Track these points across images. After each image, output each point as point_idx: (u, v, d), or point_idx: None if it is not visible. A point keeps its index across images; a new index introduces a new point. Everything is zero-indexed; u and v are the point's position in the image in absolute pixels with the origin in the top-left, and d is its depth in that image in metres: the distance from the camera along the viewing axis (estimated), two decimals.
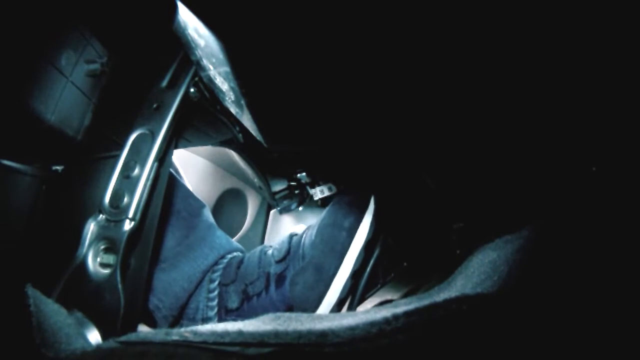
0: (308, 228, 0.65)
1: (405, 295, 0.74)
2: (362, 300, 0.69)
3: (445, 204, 0.69)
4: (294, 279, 0.59)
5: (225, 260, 0.65)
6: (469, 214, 0.66)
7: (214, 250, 0.64)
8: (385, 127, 0.52)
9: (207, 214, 0.68)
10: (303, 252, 0.60)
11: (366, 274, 0.68)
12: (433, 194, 0.67)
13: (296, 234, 0.67)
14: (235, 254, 0.67)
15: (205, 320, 0.60)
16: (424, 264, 0.75)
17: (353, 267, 0.59)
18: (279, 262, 0.61)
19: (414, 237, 0.77)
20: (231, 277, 0.61)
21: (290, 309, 0.59)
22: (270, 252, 0.64)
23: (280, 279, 0.59)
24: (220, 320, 0.60)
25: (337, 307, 0.60)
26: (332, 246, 0.59)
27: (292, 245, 0.63)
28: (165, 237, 0.62)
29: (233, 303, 0.59)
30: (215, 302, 0.60)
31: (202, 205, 0.68)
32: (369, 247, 0.64)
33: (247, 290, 0.60)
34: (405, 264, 0.75)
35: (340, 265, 0.58)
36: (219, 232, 0.67)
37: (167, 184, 0.56)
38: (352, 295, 0.65)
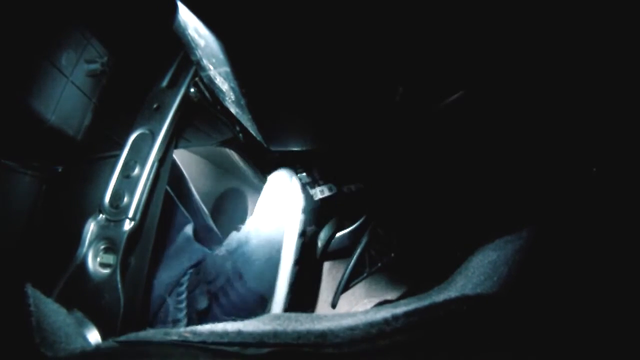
0: (249, 219, 0.70)
1: (397, 291, 0.75)
2: (346, 287, 0.72)
3: (439, 198, 0.69)
4: (252, 257, 0.63)
5: (193, 269, 0.69)
6: (464, 207, 0.67)
7: (191, 260, 0.69)
8: (383, 124, 0.52)
9: (189, 229, 0.72)
10: (248, 239, 0.65)
11: (352, 261, 0.71)
12: (427, 188, 0.68)
13: (240, 227, 0.71)
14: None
15: (175, 322, 0.63)
16: (413, 257, 0.76)
17: (299, 230, 0.63)
18: (232, 252, 0.65)
19: (405, 228, 0.78)
20: (194, 282, 0.66)
21: (262, 297, 0.62)
22: (223, 249, 0.68)
23: (240, 265, 0.63)
24: (190, 321, 0.64)
25: (296, 268, 0.63)
26: (276, 218, 0.65)
27: (240, 238, 0.67)
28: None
29: (202, 304, 0.63)
30: (183, 305, 0.64)
31: (188, 222, 0.72)
32: (356, 234, 0.65)
33: (210, 290, 0.64)
34: (393, 254, 0.76)
35: (282, 234, 0.63)
36: (197, 245, 0.72)
37: (165, 184, 0.56)
38: (338, 282, 0.68)
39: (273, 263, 0.62)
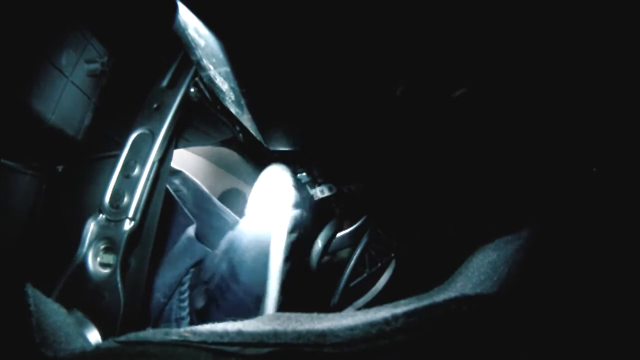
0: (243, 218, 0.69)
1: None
2: (346, 287, 0.71)
3: (439, 198, 0.69)
4: (243, 256, 0.62)
5: (196, 267, 0.70)
6: (464, 209, 0.67)
7: (192, 258, 0.69)
8: (383, 124, 0.52)
9: (191, 230, 0.73)
10: (240, 238, 0.64)
11: (352, 261, 0.71)
12: (427, 188, 0.68)
13: (235, 226, 0.70)
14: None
15: (179, 320, 0.64)
16: (413, 258, 0.77)
17: (288, 227, 0.62)
18: (226, 250, 0.65)
19: (405, 229, 0.78)
20: (195, 281, 0.67)
21: (257, 297, 0.61)
22: (219, 249, 0.68)
23: (234, 264, 0.63)
24: (192, 320, 0.63)
25: (286, 266, 0.62)
26: (265, 215, 0.64)
27: (233, 237, 0.66)
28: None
29: (199, 303, 0.63)
30: (186, 303, 0.65)
31: (190, 223, 0.72)
32: (356, 235, 0.65)
33: (208, 289, 0.63)
34: (393, 255, 0.76)
35: (272, 234, 0.62)
36: (198, 245, 0.72)
37: (166, 184, 0.56)
38: (337, 282, 0.68)
39: (263, 261, 0.61)
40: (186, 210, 0.74)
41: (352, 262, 0.73)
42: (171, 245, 0.69)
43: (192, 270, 0.69)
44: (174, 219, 0.71)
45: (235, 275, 0.62)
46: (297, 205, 0.64)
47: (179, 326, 0.62)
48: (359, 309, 0.72)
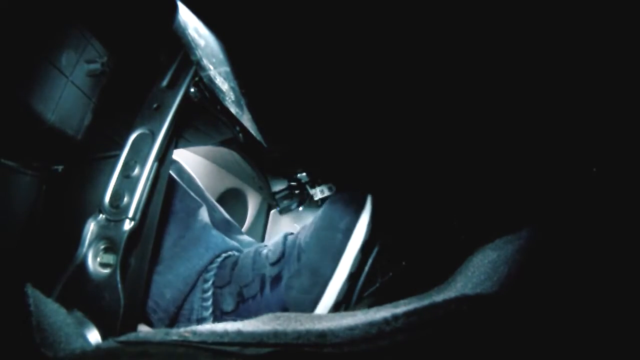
0: (303, 228, 0.64)
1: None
2: (359, 299, 0.68)
3: (444, 201, 0.69)
4: (290, 282, 0.57)
5: (219, 260, 0.63)
6: (468, 210, 0.66)
7: (209, 250, 0.62)
8: (383, 126, 0.52)
9: (204, 214, 0.67)
10: (298, 253, 0.59)
11: (364, 274, 0.67)
12: (432, 193, 0.67)
13: (291, 234, 0.65)
14: (230, 253, 0.66)
15: (200, 321, 0.59)
16: (423, 264, 0.76)
17: (350, 270, 0.58)
18: (273, 264, 0.60)
19: (413, 236, 0.77)
20: (226, 279, 0.60)
21: (285, 310, 0.57)
22: (264, 252, 0.62)
23: (276, 281, 0.58)
24: (216, 320, 0.59)
25: (334, 309, 0.58)
26: (328, 248, 0.57)
27: (287, 247, 0.61)
28: (163, 237, 0.61)
29: (228, 306, 0.58)
30: (209, 303, 0.59)
31: (199, 205, 0.67)
32: (367, 246, 0.62)
33: (242, 293, 0.58)
34: (404, 263, 0.75)
35: (336, 268, 0.57)
36: (214, 232, 0.66)
37: (165, 184, 0.55)
38: (349, 295, 0.63)
39: (312, 297, 0.55)
40: (192, 193, 0.68)
41: (364, 275, 0.66)
42: (183, 233, 0.62)
43: (216, 263, 0.62)
44: (180, 204, 0.65)
45: (279, 289, 0.57)
46: (363, 248, 0.60)
47: None
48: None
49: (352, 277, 0.59)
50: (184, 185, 0.69)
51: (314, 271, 0.56)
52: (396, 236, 0.73)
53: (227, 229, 0.76)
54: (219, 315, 0.59)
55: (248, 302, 0.58)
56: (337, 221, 0.59)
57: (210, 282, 0.60)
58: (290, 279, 0.57)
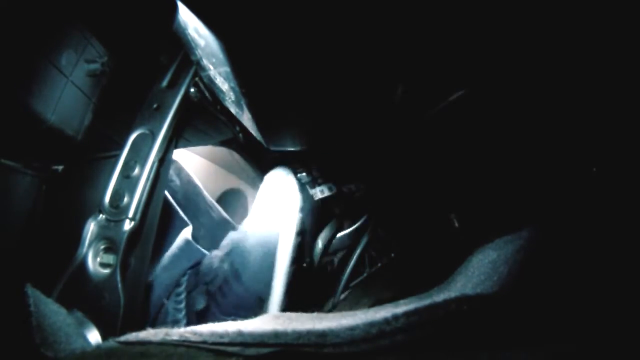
0: (242, 224, 0.70)
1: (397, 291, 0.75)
2: (346, 287, 0.72)
3: (441, 197, 0.70)
4: (248, 257, 0.63)
5: (192, 269, 0.70)
6: (465, 206, 0.67)
7: (190, 260, 0.69)
8: (383, 123, 0.52)
9: (188, 232, 0.72)
10: (243, 240, 0.65)
11: (352, 262, 0.72)
12: (428, 187, 0.68)
13: (237, 226, 0.71)
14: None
15: (175, 322, 0.64)
16: (413, 258, 0.77)
17: (296, 229, 0.63)
18: (229, 252, 0.65)
19: (406, 229, 0.78)
20: (193, 283, 0.67)
21: (260, 299, 0.62)
22: (220, 250, 0.68)
23: (237, 266, 0.63)
24: (189, 322, 0.64)
25: (292, 267, 0.63)
26: (271, 218, 0.65)
27: (236, 238, 0.67)
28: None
29: (200, 304, 0.63)
30: (182, 305, 0.65)
31: (185, 225, 0.72)
32: (356, 234, 0.66)
33: (209, 290, 0.64)
34: (393, 255, 0.76)
35: (278, 233, 0.63)
36: (196, 246, 0.72)
37: (166, 184, 0.56)
38: (337, 282, 0.69)
39: (269, 262, 0.62)
40: (182, 214, 0.74)
41: (352, 262, 0.73)
42: (167, 247, 0.69)
43: (188, 272, 0.69)
44: (169, 221, 0.71)
45: (238, 276, 0.62)
46: (302, 210, 0.65)
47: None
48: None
49: (301, 235, 0.65)
50: (174, 204, 0.73)
51: (265, 239, 0.63)
52: (388, 228, 0.75)
53: (226, 228, 0.79)
54: (193, 314, 0.64)
55: (217, 298, 0.63)
56: (274, 196, 0.67)
57: (183, 287, 0.67)
58: (248, 254, 0.63)
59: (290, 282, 0.62)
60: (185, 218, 0.74)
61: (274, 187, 0.68)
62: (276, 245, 0.62)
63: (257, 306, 0.62)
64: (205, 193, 0.82)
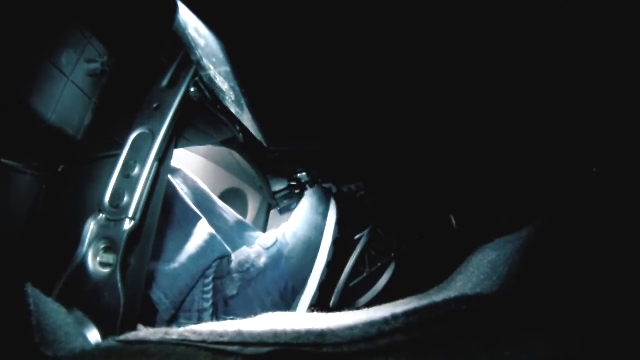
0: (281, 226, 0.80)
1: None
2: (346, 287, 0.76)
3: (440, 199, 0.70)
4: (290, 254, 0.74)
5: (219, 261, 0.73)
6: (465, 208, 0.67)
7: (214, 252, 0.71)
8: (380, 123, 0.52)
9: (205, 224, 0.76)
10: (286, 239, 0.76)
11: (352, 261, 0.77)
12: (427, 188, 0.69)
13: (251, 230, 0.82)
14: (228, 255, 0.77)
15: (201, 311, 0.67)
16: (412, 258, 0.78)
17: (332, 237, 0.77)
18: (269, 248, 0.75)
19: (406, 228, 0.79)
20: (225, 271, 0.72)
21: (287, 284, 0.71)
22: (257, 246, 0.76)
23: (275, 260, 0.73)
24: (216, 309, 0.68)
25: (327, 268, 0.74)
26: (314, 226, 0.78)
27: (278, 233, 0.78)
28: (167, 241, 0.68)
29: (232, 291, 0.70)
30: (210, 295, 0.68)
31: (200, 218, 0.75)
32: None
33: (244, 277, 0.71)
34: (393, 254, 0.77)
35: (321, 238, 0.77)
36: (219, 239, 0.76)
37: (169, 196, 0.57)
38: (337, 282, 0.76)
39: (308, 262, 0.74)
40: (193, 205, 0.75)
41: (352, 262, 0.75)
42: (184, 238, 0.70)
43: (214, 263, 0.72)
44: (182, 213, 0.72)
45: (277, 268, 0.72)
46: (337, 223, 0.78)
47: (201, 316, 0.66)
48: (358, 308, 0.73)
49: (336, 243, 0.78)
50: (186, 198, 0.74)
51: (307, 241, 0.76)
52: (388, 229, 0.76)
53: (242, 228, 0.84)
54: (222, 302, 0.69)
55: (251, 284, 0.70)
56: (316, 207, 0.81)
57: (211, 278, 0.70)
58: (290, 252, 0.74)
59: (323, 282, 0.73)
60: (198, 211, 0.76)
61: (317, 200, 0.81)
62: (318, 247, 0.75)
63: (291, 295, 0.71)
64: (215, 197, 0.82)
